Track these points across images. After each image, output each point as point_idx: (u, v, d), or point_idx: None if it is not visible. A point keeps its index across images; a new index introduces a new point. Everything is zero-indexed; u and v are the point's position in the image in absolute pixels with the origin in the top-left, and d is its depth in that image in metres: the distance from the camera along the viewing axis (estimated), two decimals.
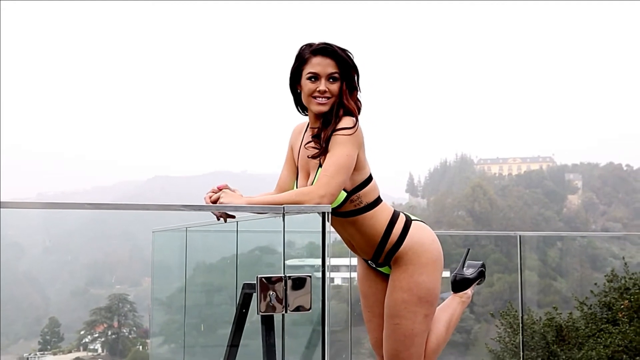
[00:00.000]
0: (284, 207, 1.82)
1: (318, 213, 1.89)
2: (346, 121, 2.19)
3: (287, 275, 1.78)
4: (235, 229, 2.52)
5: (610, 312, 5.52)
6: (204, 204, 2.07)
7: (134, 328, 37.11)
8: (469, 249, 2.90)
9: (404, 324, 2.32)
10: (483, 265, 2.80)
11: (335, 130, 2.18)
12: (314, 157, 2.22)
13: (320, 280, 1.83)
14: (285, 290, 1.77)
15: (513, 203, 60.44)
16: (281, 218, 1.86)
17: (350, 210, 2.25)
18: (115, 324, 36.67)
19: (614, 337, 5.20)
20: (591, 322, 5.55)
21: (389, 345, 2.38)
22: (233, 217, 2.08)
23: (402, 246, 2.31)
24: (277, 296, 1.76)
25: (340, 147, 2.15)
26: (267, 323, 1.84)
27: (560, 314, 5.72)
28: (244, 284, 1.96)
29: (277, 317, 1.85)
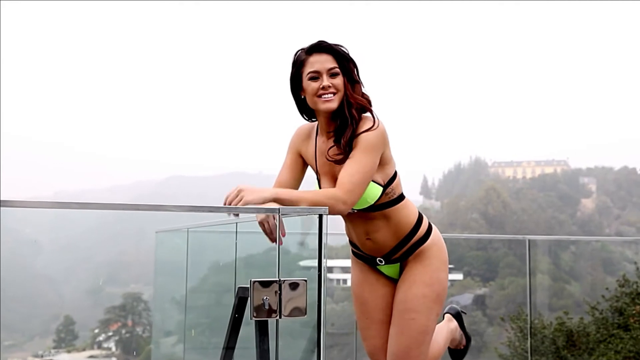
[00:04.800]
0: (279, 209, 1.79)
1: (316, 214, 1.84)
2: (367, 122, 2.17)
3: (282, 279, 1.74)
4: (235, 230, 2.50)
5: (621, 318, 5.44)
6: (204, 205, 2.03)
7: (148, 327, 37.27)
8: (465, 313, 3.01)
9: (419, 320, 2.28)
10: (470, 340, 2.83)
11: (356, 134, 2.14)
12: (339, 162, 2.17)
13: (317, 286, 1.79)
14: (280, 294, 1.73)
15: (527, 206, 59.96)
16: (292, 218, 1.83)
17: (385, 202, 2.24)
18: (130, 322, 36.81)
19: (625, 343, 5.12)
20: (602, 327, 5.47)
21: (400, 341, 2.30)
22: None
23: (428, 240, 2.30)
24: (270, 301, 1.73)
25: (365, 154, 2.12)
26: (261, 328, 1.80)
27: (571, 318, 5.65)
28: (239, 288, 1.93)
29: (273, 322, 1.82)
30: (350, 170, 2.10)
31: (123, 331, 36.73)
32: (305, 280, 1.78)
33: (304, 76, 2.20)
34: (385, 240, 2.31)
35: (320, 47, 2.19)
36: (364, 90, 2.24)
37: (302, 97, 2.25)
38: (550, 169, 79.99)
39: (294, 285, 1.76)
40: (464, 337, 2.78)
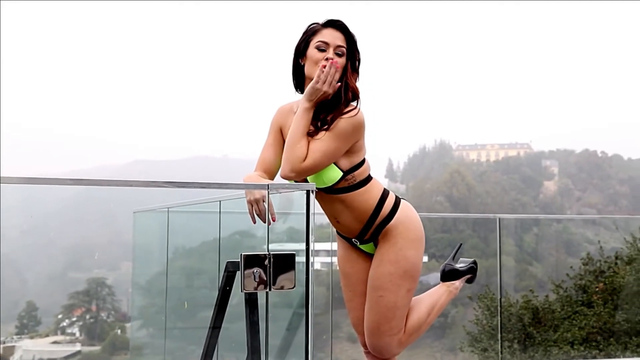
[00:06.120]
0: (268, 185, 1.82)
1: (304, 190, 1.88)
2: (348, 108, 2.24)
3: (272, 253, 1.78)
4: (219, 210, 2.51)
5: (585, 295, 5.63)
6: (195, 181, 2.02)
7: (112, 312, 36.93)
8: (461, 244, 2.98)
9: (387, 297, 2.36)
10: (474, 262, 2.83)
11: (340, 114, 2.21)
12: (309, 135, 2.23)
13: (305, 262, 1.83)
14: (269, 268, 1.77)
15: (491, 189, 61.08)
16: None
17: (343, 187, 2.29)
18: (94, 307, 36.47)
19: (589, 319, 5.31)
20: (567, 304, 5.65)
21: (370, 317, 2.40)
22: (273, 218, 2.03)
23: (393, 220, 2.35)
24: (260, 274, 1.76)
25: (334, 139, 2.19)
26: (251, 301, 1.84)
27: (537, 296, 5.81)
28: (228, 262, 1.95)
29: (261, 296, 1.85)
30: (313, 147, 2.18)
31: (87, 316, 36.36)
32: (294, 254, 1.82)
33: (311, 44, 2.27)
34: (351, 223, 2.38)
35: (337, 25, 2.28)
36: (358, 82, 2.32)
37: (302, 64, 2.31)
38: (513, 151, 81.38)
39: (283, 259, 1.80)
40: (466, 275, 2.79)
